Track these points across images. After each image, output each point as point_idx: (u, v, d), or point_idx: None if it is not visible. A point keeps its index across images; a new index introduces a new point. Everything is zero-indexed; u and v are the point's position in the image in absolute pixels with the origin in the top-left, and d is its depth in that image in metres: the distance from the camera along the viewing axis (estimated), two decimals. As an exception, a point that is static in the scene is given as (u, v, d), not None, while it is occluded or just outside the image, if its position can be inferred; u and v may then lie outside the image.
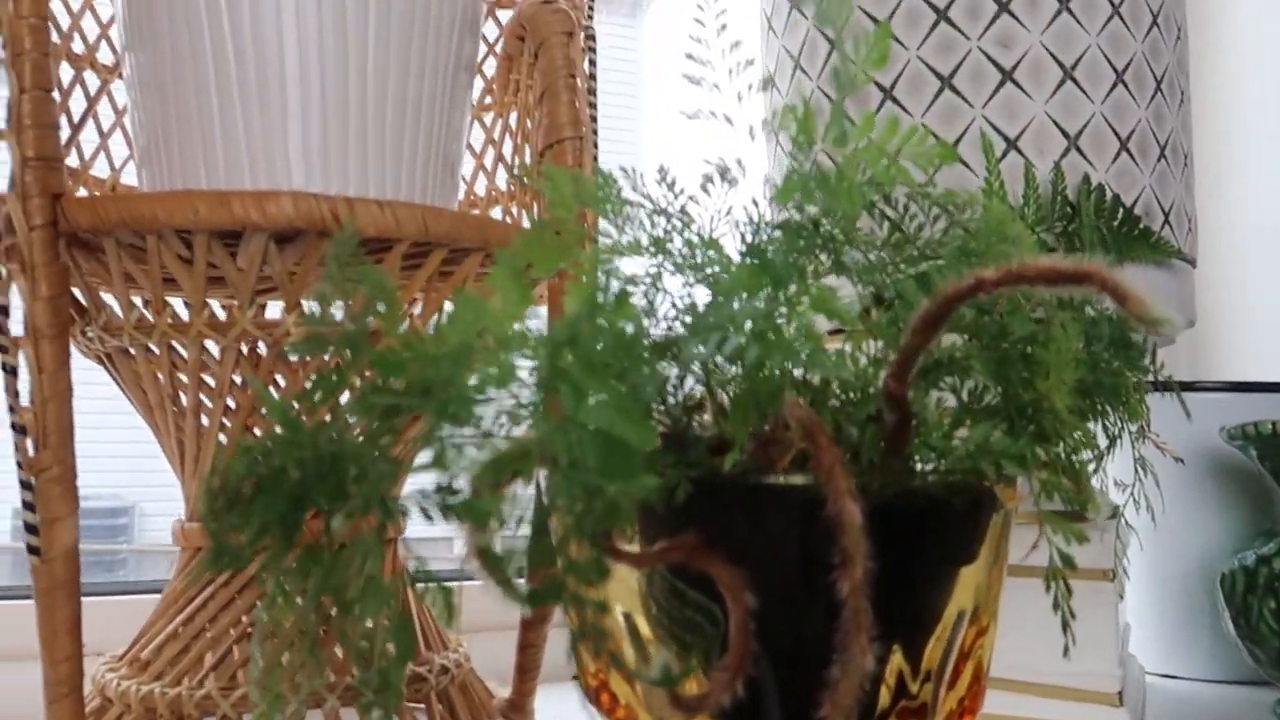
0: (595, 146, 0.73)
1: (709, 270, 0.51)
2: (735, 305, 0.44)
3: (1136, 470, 0.67)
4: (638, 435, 0.32)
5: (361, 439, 0.37)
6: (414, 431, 0.45)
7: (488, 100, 0.87)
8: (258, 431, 0.63)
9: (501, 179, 0.85)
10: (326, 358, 0.37)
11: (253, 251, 0.57)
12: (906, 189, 0.53)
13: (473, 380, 0.35)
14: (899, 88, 0.75)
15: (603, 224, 0.52)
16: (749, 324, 0.42)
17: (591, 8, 0.87)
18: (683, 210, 0.55)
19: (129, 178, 0.78)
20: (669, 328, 0.47)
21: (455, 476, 0.33)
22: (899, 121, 0.47)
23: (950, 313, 0.42)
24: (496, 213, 0.85)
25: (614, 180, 0.53)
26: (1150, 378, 0.58)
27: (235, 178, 0.61)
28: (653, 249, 0.51)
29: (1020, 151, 0.71)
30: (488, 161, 0.86)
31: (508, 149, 0.84)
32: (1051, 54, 0.72)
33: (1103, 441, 0.58)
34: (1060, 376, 0.49)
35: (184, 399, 0.62)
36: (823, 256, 0.52)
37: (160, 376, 0.62)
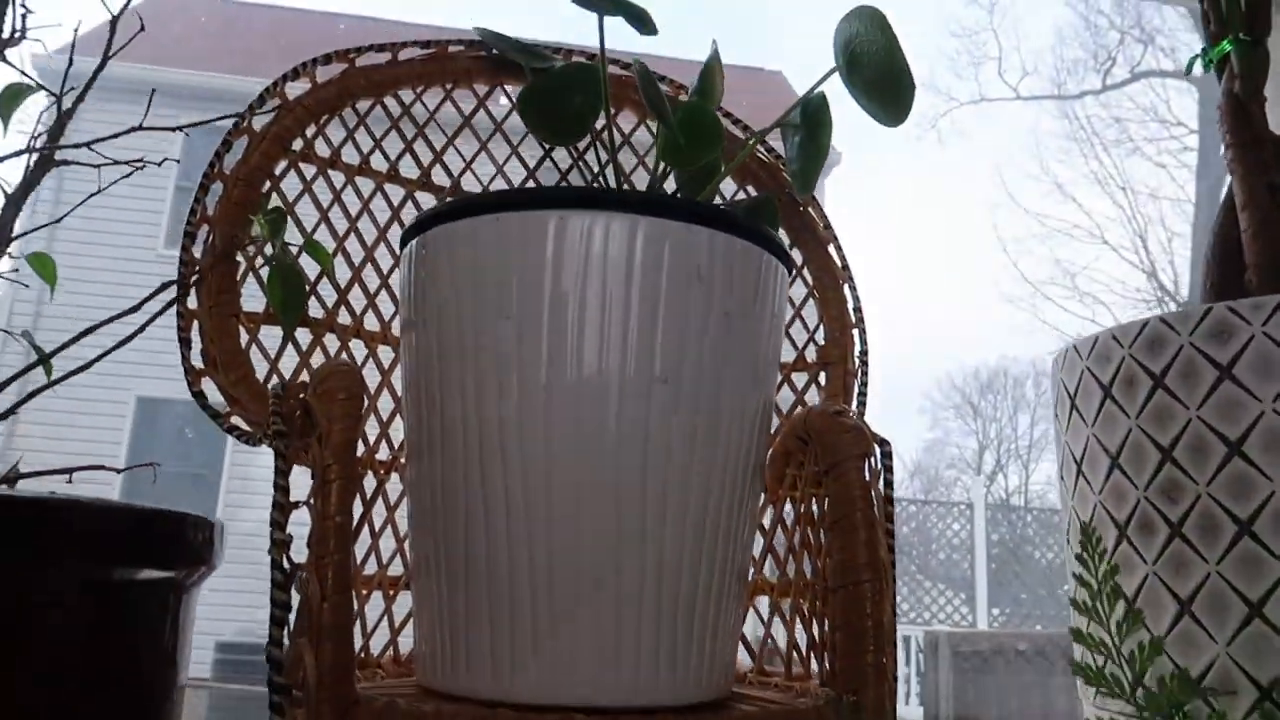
0: (893, 584, 0.66)
1: None
2: None
3: None
4: None
5: None
6: None
7: (755, 478, 0.82)
8: None
9: (769, 570, 0.79)
10: None
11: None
12: None
13: None
14: (1188, 524, 0.64)
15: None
16: None
17: (864, 389, 0.81)
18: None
19: (396, 568, 0.77)
20: None
21: None
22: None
23: None
24: (763, 604, 0.79)
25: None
26: None
27: (520, 665, 0.57)
28: None
29: None
30: (755, 550, 0.79)
31: (779, 542, 0.77)
32: None
33: None
34: None
35: None
36: None
37: None
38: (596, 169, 0.89)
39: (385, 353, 0.80)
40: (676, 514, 0.59)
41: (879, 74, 0.68)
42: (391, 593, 0.77)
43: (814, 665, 0.72)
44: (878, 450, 0.68)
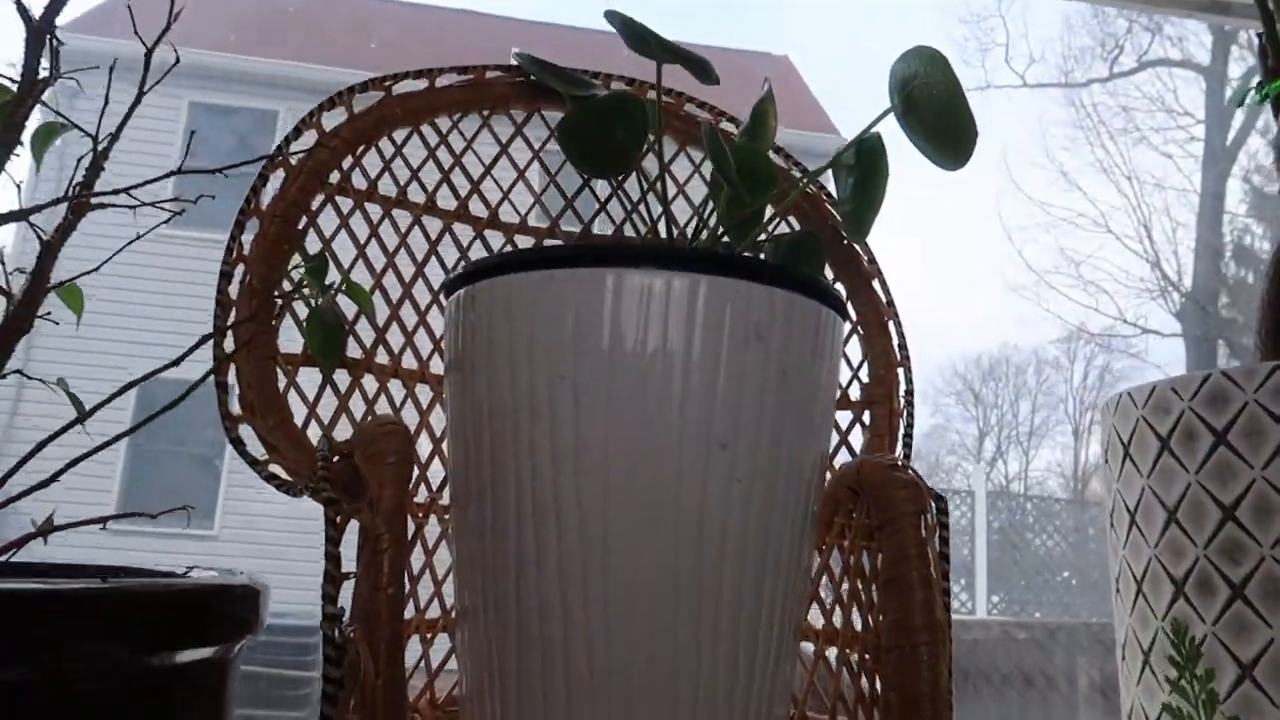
0: (950, 643, 0.64)
1: None
2: None
3: None
4: None
5: None
6: None
7: (798, 520, 0.80)
8: None
9: (814, 615, 0.77)
10: None
11: None
12: None
13: None
14: (1251, 586, 0.62)
15: None
16: None
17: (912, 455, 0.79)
18: None
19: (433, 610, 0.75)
20: None
21: None
22: None
23: None
24: (807, 647, 0.77)
25: None
26: None
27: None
28: None
29: None
30: (799, 595, 0.78)
31: (825, 590, 0.76)
32: None
33: None
34: None
35: None
36: None
37: None
38: (636, 196, 0.87)
39: (422, 390, 0.78)
40: (734, 574, 0.58)
41: (940, 118, 0.66)
42: (429, 636, 0.76)
43: (862, 718, 0.71)
44: (933, 506, 0.67)
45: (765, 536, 0.59)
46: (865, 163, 0.70)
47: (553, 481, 0.57)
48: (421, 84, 0.81)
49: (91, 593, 0.43)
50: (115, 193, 0.59)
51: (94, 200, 0.60)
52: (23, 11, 0.57)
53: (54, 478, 0.52)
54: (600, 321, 0.56)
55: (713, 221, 0.73)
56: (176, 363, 0.58)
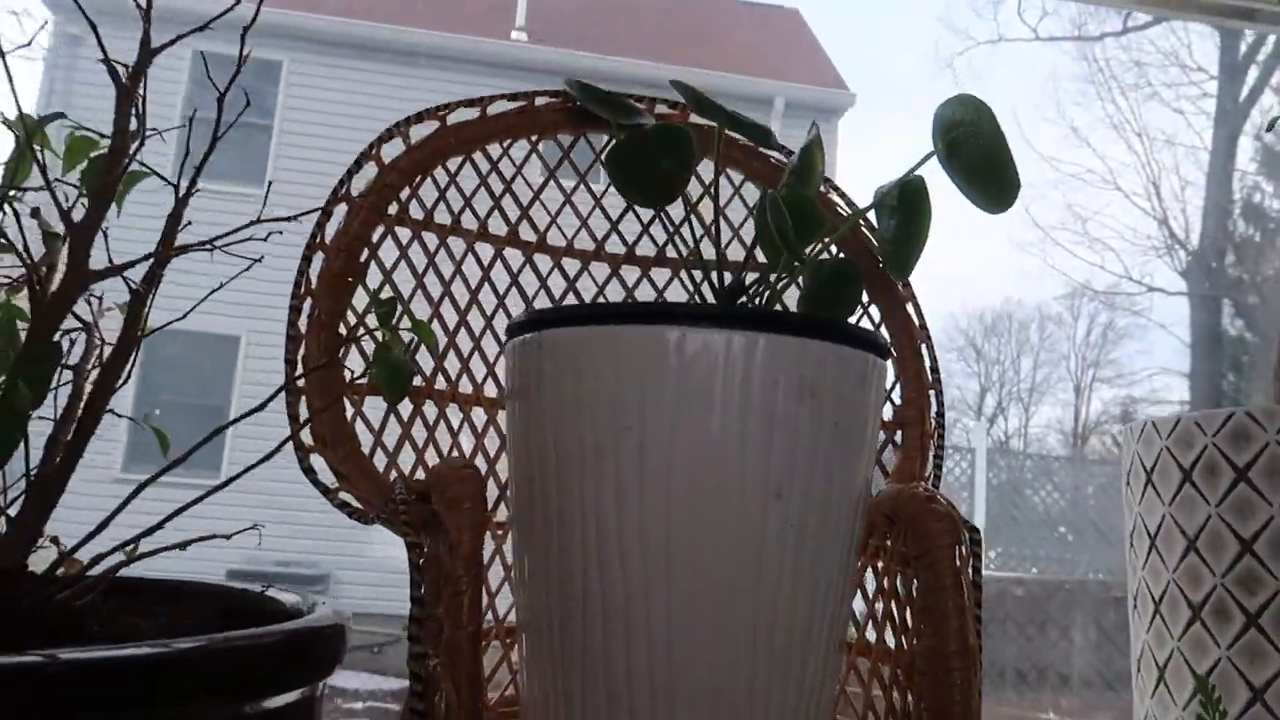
0: (980, 667, 0.68)
1: None
2: None
3: None
4: None
5: None
6: None
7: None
8: None
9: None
10: None
11: None
12: None
13: None
14: (1265, 616, 0.66)
15: None
16: None
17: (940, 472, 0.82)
18: None
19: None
20: None
21: None
22: None
23: None
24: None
25: None
26: None
27: (638, 756, 0.60)
28: None
29: None
30: (833, 608, 0.82)
31: (857, 605, 0.80)
32: None
33: None
34: None
35: None
36: None
37: None
38: (679, 216, 0.90)
39: (475, 412, 0.82)
40: (788, 609, 0.62)
41: (984, 165, 0.69)
42: (484, 644, 0.80)
43: (891, 728, 0.75)
44: (966, 536, 0.71)
45: (815, 568, 0.63)
46: (908, 204, 0.73)
47: (616, 528, 0.60)
48: (474, 113, 0.83)
49: (198, 653, 0.47)
50: (201, 244, 0.62)
51: (177, 247, 0.63)
52: (114, 74, 0.60)
53: (160, 525, 0.56)
54: (663, 377, 0.59)
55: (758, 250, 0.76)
56: (261, 408, 0.61)
